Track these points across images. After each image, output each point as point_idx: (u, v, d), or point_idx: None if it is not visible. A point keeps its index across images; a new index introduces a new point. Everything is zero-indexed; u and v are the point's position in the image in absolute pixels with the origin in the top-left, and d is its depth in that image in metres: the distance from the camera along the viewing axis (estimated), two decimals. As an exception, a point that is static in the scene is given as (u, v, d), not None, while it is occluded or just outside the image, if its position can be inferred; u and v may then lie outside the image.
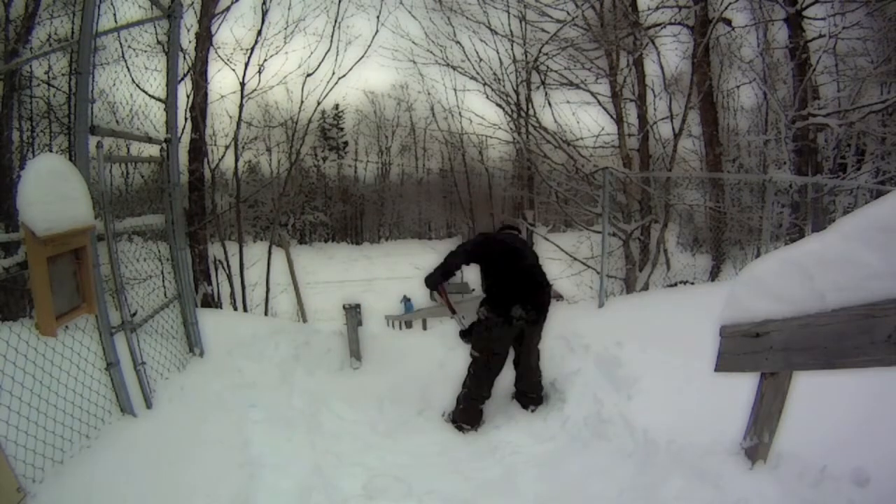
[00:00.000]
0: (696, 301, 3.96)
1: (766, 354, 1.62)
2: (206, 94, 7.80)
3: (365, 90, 33.21)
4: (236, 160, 8.67)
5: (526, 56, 7.77)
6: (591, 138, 7.52)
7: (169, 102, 3.25)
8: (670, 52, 8.16)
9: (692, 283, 6.18)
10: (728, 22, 7.95)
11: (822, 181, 7.32)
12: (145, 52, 4.10)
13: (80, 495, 1.86)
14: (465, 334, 3.26)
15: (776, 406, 1.68)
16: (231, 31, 8.45)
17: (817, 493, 1.60)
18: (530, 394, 3.24)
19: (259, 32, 7.99)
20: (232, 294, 8.39)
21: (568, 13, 6.94)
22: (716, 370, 1.82)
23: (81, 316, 2.07)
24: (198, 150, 7.90)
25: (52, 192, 1.80)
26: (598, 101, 7.54)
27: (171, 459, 2.22)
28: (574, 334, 3.75)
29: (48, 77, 7.12)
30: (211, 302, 7.71)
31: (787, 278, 1.55)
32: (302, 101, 8.93)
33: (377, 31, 9.02)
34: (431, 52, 8.92)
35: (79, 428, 2.15)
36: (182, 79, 6.74)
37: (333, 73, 8.77)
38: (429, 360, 3.99)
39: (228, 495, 2.11)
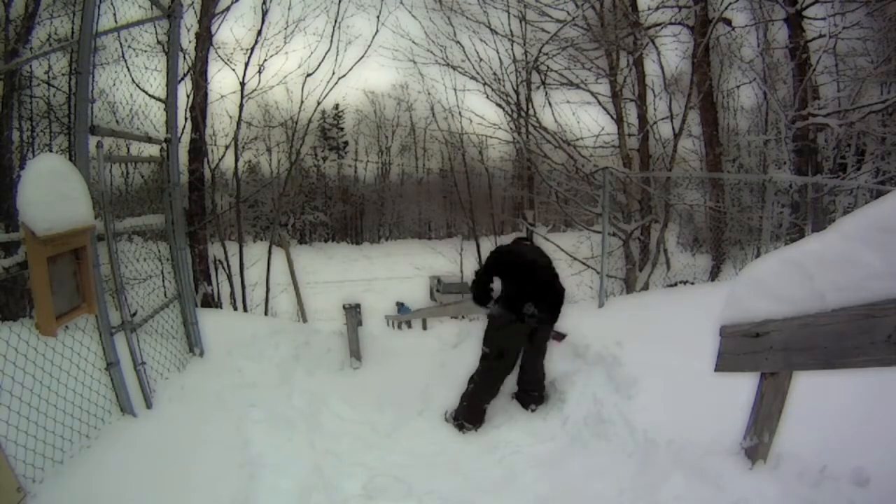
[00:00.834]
0: (696, 301, 3.96)
1: (766, 354, 1.62)
2: (206, 94, 7.81)
3: (365, 90, 33.26)
4: (236, 160, 8.68)
5: (526, 56, 7.77)
6: (591, 138, 7.53)
7: (169, 102, 3.25)
8: (670, 52, 8.17)
9: (692, 283, 6.18)
10: (728, 22, 7.95)
11: (822, 181, 7.32)
12: (145, 52, 4.11)
13: (80, 495, 1.86)
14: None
15: (776, 406, 1.68)
16: (231, 31, 8.47)
17: (817, 493, 1.60)
18: (532, 392, 3.25)
19: (259, 32, 8.00)
20: (232, 294, 8.39)
21: (568, 13, 6.95)
22: (716, 370, 1.82)
23: (81, 316, 2.07)
24: (198, 150, 7.91)
25: (52, 192, 1.80)
26: (598, 101, 7.54)
27: (171, 459, 2.22)
28: (574, 334, 3.75)
29: (48, 77, 7.12)
30: (211, 302, 7.72)
31: (787, 278, 1.55)
32: (302, 101, 8.94)
33: (377, 31, 9.03)
34: (431, 52, 8.92)
35: (79, 428, 2.15)
36: (182, 79, 6.75)
37: (333, 73, 8.78)
38: (429, 360, 4.00)
39: (228, 495, 2.11)
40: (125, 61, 3.60)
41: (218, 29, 7.92)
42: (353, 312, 4.09)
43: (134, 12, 3.13)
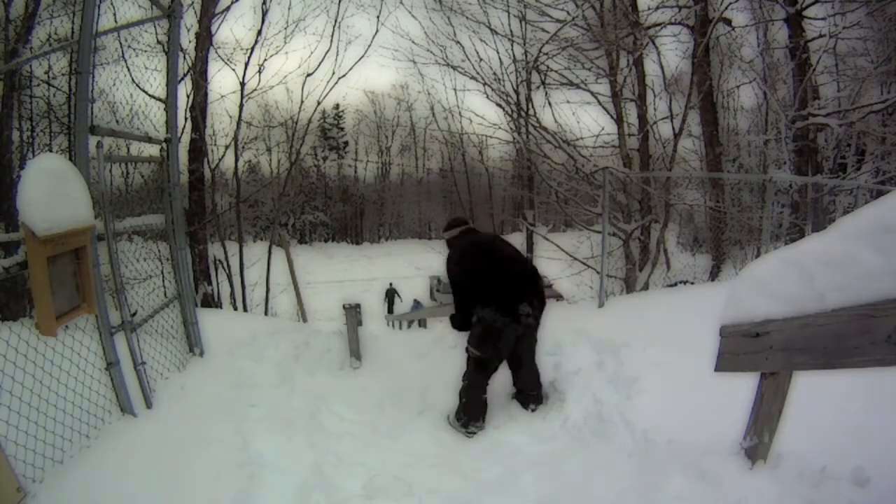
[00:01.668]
0: (695, 301, 3.96)
1: (766, 354, 1.62)
2: (206, 94, 7.81)
3: (365, 90, 33.26)
4: (236, 160, 8.68)
5: (526, 56, 7.77)
6: (591, 138, 7.53)
7: (169, 102, 3.25)
8: (670, 52, 8.18)
9: (692, 283, 6.18)
10: (728, 22, 7.96)
11: (822, 181, 7.32)
12: (145, 51, 4.11)
13: (80, 495, 1.86)
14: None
15: (776, 406, 1.68)
16: (231, 31, 8.51)
17: (817, 493, 1.60)
18: (531, 391, 3.21)
19: (259, 32, 8.00)
20: (232, 294, 8.39)
21: (568, 13, 6.94)
22: (716, 370, 1.82)
23: (81, 316, 2.07)
24: (198, 149, 7.91)
25: (52, 192, 1.80)
26: (598, 101, 7.54)
27: (171, 459, 2.22)
28: (574, 334, 3.75)
29: (48, 77, 7.13)
30: (211, 302, 7.72)
31: (787, 278, 1.55)
32: (302, 101, 8.95)
33: (377, 30, 9.04)
34: (431, 52, 8.93)
35: (79, 428, 2.16)
36: (182, 79, 6.75)
37: (333, 73, 8.79)
38: (429, 360, 3.99)
39: (228, 495, 2.11)
40: (125, 61, 3.61)
41: (218, 29, 7.93)
42: (353, 312, 4.08)
43: (134, 12, 3.13)
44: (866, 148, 9.08)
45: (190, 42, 7.11)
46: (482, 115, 8.59)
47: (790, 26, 7.76)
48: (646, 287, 6.16)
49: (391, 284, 15.72)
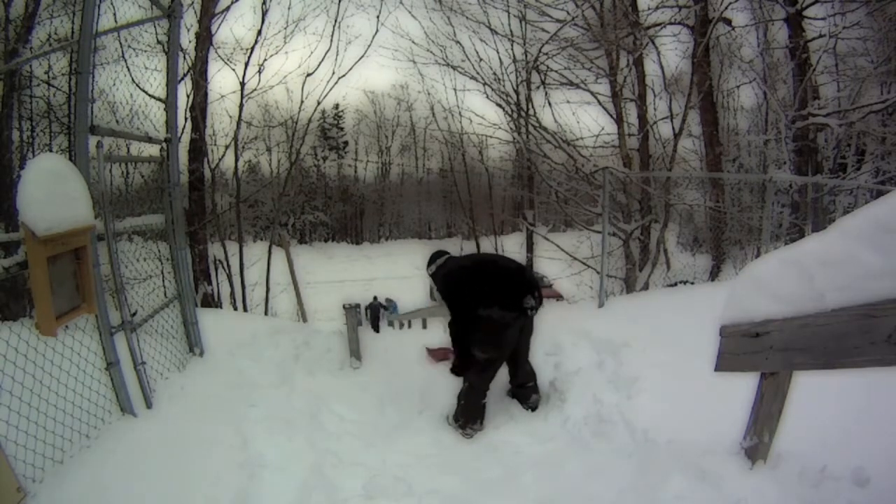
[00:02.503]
0: (695, 301, 3.96)
1: (766, 354, 1.62)
2: (206, 94, 7.82)
3: (365, 90, 33.27)
4: (236, 160, 8.69)
5: (526, 56, 7.77)
6: (591, 138, 7.53)
7: (169, 102, 3.25)
8: (670, 52, 8.17)
9: (692, 283, 6.18)
10: (728, 22, 7.96)
11: (822, 181, 7.33)
12: (145, 51, 4.10)
13: (80, 495, 1.86)
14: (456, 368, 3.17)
15: (776, 406, 1.68)
16: (231, 31, 8.50)
17: (817, 493, 1.60)
18: (528, 384, 3.23)
19: (259, 32, 8.02)
20: (232, 294, 8.40)
21: (568, 13, 6.94)
22: (716, 370, 1.82)
23: (81, 316, 2.07)
24: (198, 149, 7.92)
25: (52, 192, 1.80)
26: (598, 101, 7.54)
27: (172, 459, 2.22)
28: (574, 334, 3.75)
29: (48, 77, 7.13)
30: (211, 302, 7.73)
31: (787, 278, 1.55)
32: (302, 101, 8.97)
33: (377, 30, 9.06)
34: (431, 52, 8.93)
35: (79, 428, 2.15)
36: (182, 78, 6.76)
37: (333, 73, 8.81)
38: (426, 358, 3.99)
39: (228, 495, 2.11)
40: (125, 61, 3.61)
41: (218, 29, 7.94)
42: (352, 312, 4.08)
43: (134, 12, 3.13)
44: (866, 148, 9.09)
45: (190, 42, 7.12)
46: (482, 115, 8.60)
47: (790, 26, 7.77)
48: (646, 287, 6.16)
49: (375, 298, 12.61)
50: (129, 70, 3.48)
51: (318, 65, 8.69)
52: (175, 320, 3.30)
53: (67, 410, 2.13)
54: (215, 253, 8.30)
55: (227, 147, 8.55)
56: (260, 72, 8.21)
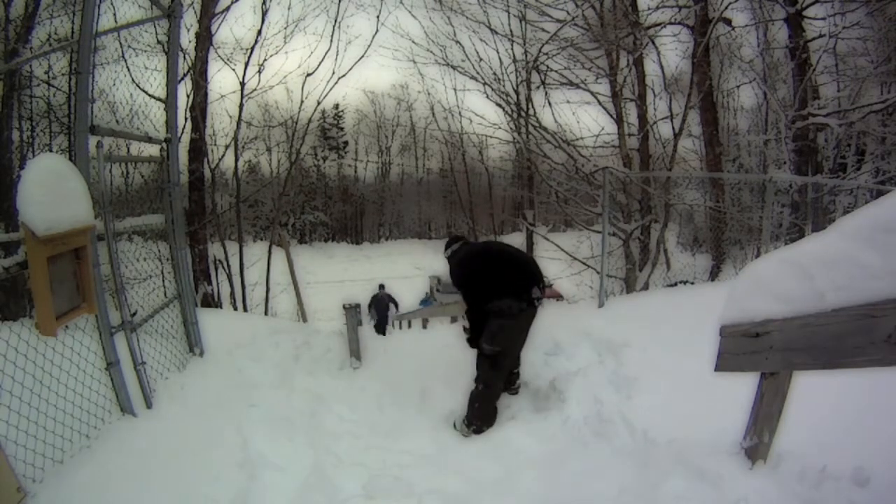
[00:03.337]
0: (695, 301, 3.96)
1: (766, 354, 1.62)
2: (206, 94, 7.81)
3: (365, 90, 33.30)
4: (236, 160, 8.69)
5: (526, 56, 7.77)
6: (591, 138, 7.53)
7: (169, 102, 3.25)
8: (670, 52, 8.17)
9: (692, 283, 6.18)
10: (728, 22, 7.96)
11: (822, 181, 7.33)
12: (145, 51, 4.10)
13: (80, 495, 1.86)
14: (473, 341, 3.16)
15: (776, 406, 1.68)
16: (231, 31, 8.50)
17: (817, 493, 1.60)
18: (514, 370, 3.32)
19: (259, 32, 8.01)
20: (232, 294, 8.40)
21: (568, 13, 6.94)
22: (716, 370, 1.82)
23: (81, 316, 2.07)
24: (198, 149, 7.91)
25: (52, 192, 1.80)
26: (598, 101, 7.54)
27: (171, 459, 2.22)
28: (574, 334, 3.75)
29: (48, 77, 7.12)
30: (211, 302, 7.72)
31: (787, 278, 1.55)
32: (302, 101, 8.96)
33: (377, 30, 9.05)
34: (431, 52, 8.93)
35: (79, 428, 2.15)
36: (182, 78, 6.75)
37: (333, 73, 8.80)
38: (429, 359, 3.99)
39: (228, 495, 2.11)
40: (125, 61, 3.60)
41: (218, 29, 7.93)
42: (352, 312, 4.08)
43: (134, 12, 3.13)
44: (866, 148, 9.09)
45: (190, 42, 7.11)
46: (482, 114, 8.60)
47: (790, 26, 7.76)
48: (646, 287, 6.15)
49: (382, 287, 10.87)
50: (129, 70, 3.48)
51: (318, 65, 8.69)
52: (175, 320, 3.30)
53: (67, 410, 2.13)
54: (215, 253, 8.29)
55: (227, 147, 8.55)
56: (260, 72, 8.21)
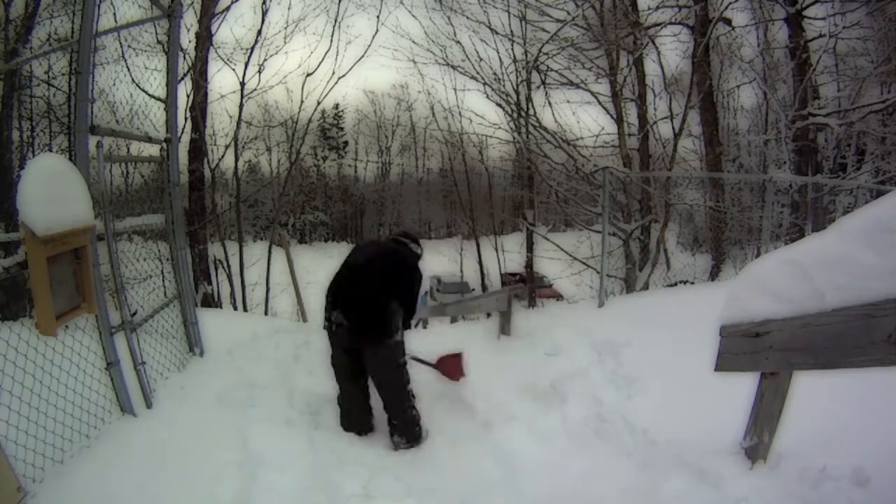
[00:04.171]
0: (695, 301, 3.96)
1: (766, 354, 1.62)
2: (206, 94, 7.83)
3: (365, 90, 33.34)
4: (236, 160, 8.70)
5: (526, 56, 7.77)
6: (591, 138, 7.54)
7: (169, 102, 3.24)
8: (670, 52, 8.19)
9: (692, 283, 6.18)
10: (728, 22, 7.96)
11: (822, 181, 7.32)
12: (145, 51, 4.10)
13: (80, 495, 1.86)
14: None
15: (776, 406, 1.68)
16: (231, 31, 8.51)
17: (817, 493, 1.60)
18: (392, 420, 2.86)
19: (259, 32, 8.03)
20: (232, 294, 8.41)
21: (568, 13, 6.95)
22: (716, 370, 1.82)
23: (81, 316, 2.07)
24: (198, 149, 7.92)
25: (52, 192, 1.80)
26: (599, 101, 7.54)
27: (171, 459, 2.22)
28: (574, 334, 3.75)
29: (48, 77, 7.12)
30: (211, 302, 7.73)
31: (787, 278, 1.55)
32: (302, 101, 8.99)
33: (377, 30, 9.08)
34: (431, 52, 8.94)
35: (79, 428, 2.15)
36: (182, 78, 6.76)
37: (333, 73, 8.84)
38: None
39: (228, 495, 2.11)
40: (125, 61, 3.60)
41: (218, 29, 7.96)
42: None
43: (134, 12, 3.13)
44: (866, 148, 9.08)
45: (190, 42, 7.12)
46: (482, 114, 8.62)
47: (790, 26, 7.76)
48: (646, 287, 6.16)
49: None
50: (129, 70, 3.48)
51: (318, 65, 8.72)
52: (175, 320, 3.30)
53: (67, 410, 2.13)
54: (215, 253, 8.30)
55: (227, 147, 8.57)
56: (260, 72, 8.23)
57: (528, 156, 7.96)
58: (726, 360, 1.79)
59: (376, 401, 2.90)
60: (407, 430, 2.81)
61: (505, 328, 4.46)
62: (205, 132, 8.01)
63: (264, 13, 8.07)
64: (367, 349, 2.76)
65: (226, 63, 8.11)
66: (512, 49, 8.15)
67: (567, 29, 6.89)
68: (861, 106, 7.42)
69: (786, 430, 1.72)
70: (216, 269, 8.29)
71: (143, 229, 3.08)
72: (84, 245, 2.01)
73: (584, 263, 7.29)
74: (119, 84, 3.21)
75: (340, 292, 2.83)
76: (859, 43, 7.74)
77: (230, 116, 8.61)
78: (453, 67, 8.52)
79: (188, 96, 7.42)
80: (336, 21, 8.67)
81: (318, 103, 9.14)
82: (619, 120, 7.48)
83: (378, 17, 9.05)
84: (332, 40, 8.68)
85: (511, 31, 7.96)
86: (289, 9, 8.57)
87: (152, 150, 3.23)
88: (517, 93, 7.89)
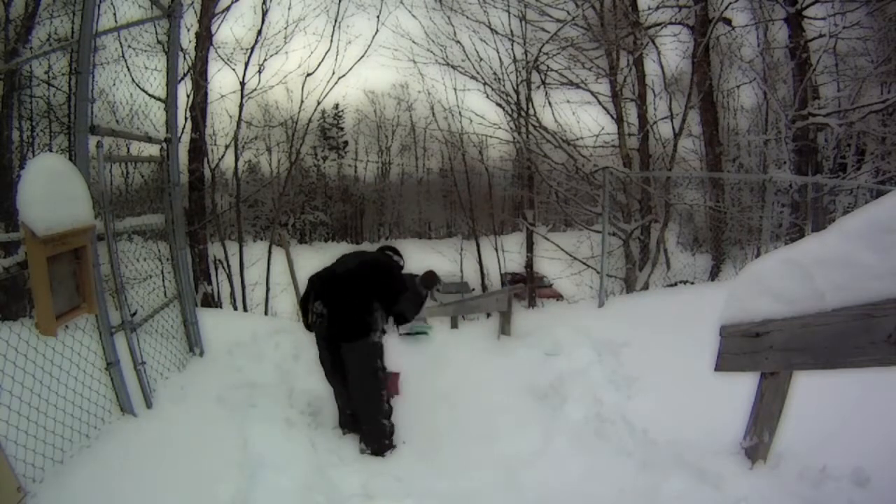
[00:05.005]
0: (695, 301, 3.96)
1: (766, 354, 1.62)
2: (206, 94, 7.83)
3: (365, 90, 33.34)
4: (236, 160, 8.70)
5: (526, 55, 7.78)
6: (591, 138, 7.55)
7: (169, 102, 3.24)
8: (670, 52, 8.19)
9: (692, 283, 6.18)
10: (728, 21, 7.96)
11: (822, 181, 7.32)
12: (145, 51, 4.09)
13: (80, 495, 1.86)
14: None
15: (776, 406, 1.68)
16: (231, 31, 8.50)
17: (817, 493, 1.60)
18: (361, 424, 2.87)
19: (259, 32, 8.03)
20: (232, 294, 8.41)
21: (568, 13, 6.96)
22: (716, 370, 1.82)
23: (81, 316, 2.07)
24: (198, 149, 7.92)
25: (52, 192, 1.80)
26: (599, 101, 7.55)
27: (172, 459, 2.22)
28: (574, 334, 3.75)
29: (48, 77, 7.12)
30: (211, 301, 7.73)
31: (787, 278, 1.55)
32: (302, 101, 8.99)
33: (377, 30, 9.08)
34: (431, 52, 8.94)
35: (79, 428, 2.15)
36: (182, 78, 6.76)
37: (333, 73, 8.83)
38: (428, 358, 3.99)
39: (228, 495, 2.11)
40: (125, 61, 3.59)
41: (218, 29, 7.96)
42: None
43: (134, 12, 3.12)
44: (866, 148, 9.08)
45: (190, 42, 7.12)
46: (482, 114, 8.62)
47: (790, 26, 7.76)
48: (646, 287, 6.16)
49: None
50: (129, 70, 3.47)
51: (318, 65, 8.72)
52: (175, 320, 3.30)
53: (67, 410, 2.13)
54: (215, 253, 8.30)
55: (227, 147, 8.57)
56: (260, 72, 8.23)
57: (528, 156, 7.97)
58: (726, 360, 1.79)
59: None
60: (373, 439, 2.77)
61: (505, 328, 4.47)
62: (205, 132, 8.01)
63: (264, 13, 8.08)
64: (343, 345, 2.77)
65: (226, 63, 8.12)
66: (512, 49, 8.17)
67: (567, 29, 6.90)
68: (861, 106, 7.42)
69: (786, 430, 1.72)
70: (216, 269, 8.29)
71: (143, 229, 3.08)
72: (84, 245, 2.01)
73: (584, 263, 7.30)
74: (119, 84, 3.20)
75: (321, 282, 2.92)
76: (859, 43, 7.74)
77: (230, 116, 8.62)
78: (453, 67, 8.53)
79: (188, 96, 7.42)
80: (336, 21, 8.68)
81: (318, 103, 9.15)
82: (619, 120, 7.49)
83: (378, 17, 9.06)
84: (332, 40, 8.69)
85: (511, 31, 7.97)
86: (289, 9, 8.58)
87: (152, 150, 3.23)
88: (517, 93, 7.89)
